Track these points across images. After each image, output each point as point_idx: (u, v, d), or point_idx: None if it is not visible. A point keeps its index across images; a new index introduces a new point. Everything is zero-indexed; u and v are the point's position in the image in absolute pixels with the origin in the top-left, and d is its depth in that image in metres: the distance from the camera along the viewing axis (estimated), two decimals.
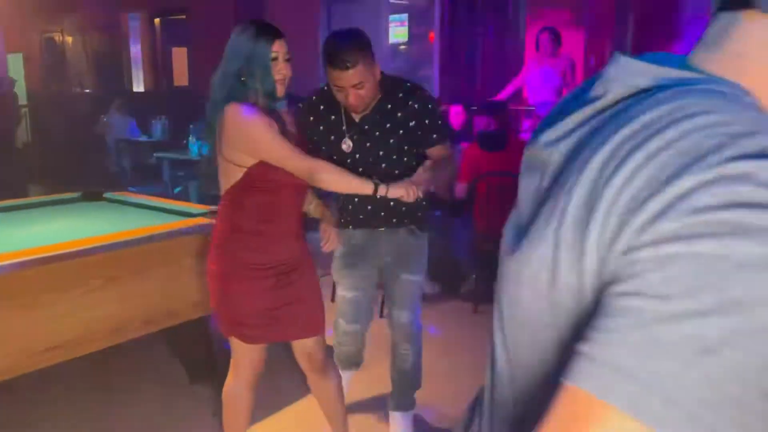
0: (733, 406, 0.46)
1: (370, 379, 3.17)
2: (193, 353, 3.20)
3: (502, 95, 5.82)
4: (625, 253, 0.50)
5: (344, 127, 2.48)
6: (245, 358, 2.28)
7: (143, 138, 8.34)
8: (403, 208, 2.53)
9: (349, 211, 2.59)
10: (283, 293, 2.20)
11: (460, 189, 4.26)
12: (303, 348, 2.34)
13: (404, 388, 2.77)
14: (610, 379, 0.48)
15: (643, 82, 0.59)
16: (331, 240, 2.36)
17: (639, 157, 0.52)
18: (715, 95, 0.55)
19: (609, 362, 0.48)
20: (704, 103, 0.53)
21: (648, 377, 0.46)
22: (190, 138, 6.37)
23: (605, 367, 0.48)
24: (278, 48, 2.10)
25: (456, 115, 5.42)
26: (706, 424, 0.46)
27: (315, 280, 2.34)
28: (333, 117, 2.48)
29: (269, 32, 2.09)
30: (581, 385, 0.49)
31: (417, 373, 2.77)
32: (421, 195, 2.20)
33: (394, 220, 2.56)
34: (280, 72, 2.11)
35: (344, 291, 2.68)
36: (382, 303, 4.05)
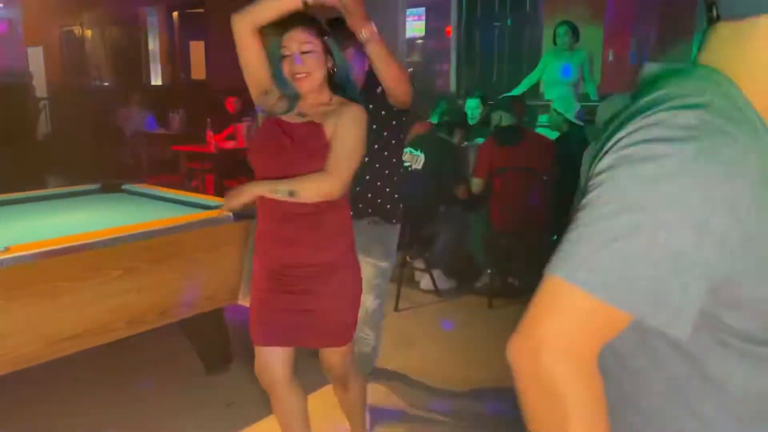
0: (648, 281, 0.67)
1: (388, 375, 3.18)
2: (209, 344, 3.22)
3: (519, 90, 5.78)
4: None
5: None
6: (256, 357, 2.14)
7: (161, 131, 8.40)
8: (369, 195, 2.56)
9: None
10: (289, 298, 2.02)
11: (476, 184, 4.26)
12: (323, 357, 2.22)
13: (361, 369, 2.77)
14: (558, 261, 0.72)
15: (649, 74, 0.82)
16: (230, 196, 1.90)
17: (619, 120, 0.76)
18: (692, 75, 0.76)
19: (561, 252, 0.72)
20: (675, 81, 0.75)
21: (579, 257, 0.70)
22: (207, 131, 6.42)
23: (559, 255, 0.72)
24: (289, 42, 1.85)
25: (472, 109, 5.39)
26: (623, 291, 0.68)
27: (347, 291, 2.10)
28: None
29: (280, 25, 1.86)
30: (547, 270, 0.73)
31: (374, 358, 2.83)
32: None
33: (360, 206, 2.56)
34: (297, 68, 1.85)
35: None
36: (397, 297, 4.06)
